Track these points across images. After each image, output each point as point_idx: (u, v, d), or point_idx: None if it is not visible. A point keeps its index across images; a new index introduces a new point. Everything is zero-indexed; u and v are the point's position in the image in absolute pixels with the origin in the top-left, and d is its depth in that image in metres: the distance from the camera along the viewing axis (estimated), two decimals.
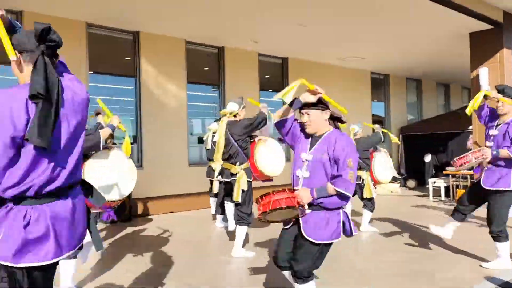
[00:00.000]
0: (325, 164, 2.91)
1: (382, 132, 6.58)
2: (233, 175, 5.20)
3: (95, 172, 3.83)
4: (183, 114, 9.10)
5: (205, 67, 10.10)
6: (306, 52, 10.69)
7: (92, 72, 7.95)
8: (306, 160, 2.98)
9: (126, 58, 8.62)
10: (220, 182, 6.67)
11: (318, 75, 11.69)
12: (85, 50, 7.73)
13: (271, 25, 8.37)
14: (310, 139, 3.06)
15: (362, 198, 6.54)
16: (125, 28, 8.30)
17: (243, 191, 5.05)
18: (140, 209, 8.32)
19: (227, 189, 5.44)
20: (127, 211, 7.77)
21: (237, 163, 5.16)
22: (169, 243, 5.97)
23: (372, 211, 6.56)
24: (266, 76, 10.92)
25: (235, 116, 5.23)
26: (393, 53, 10.99)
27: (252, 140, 5.70)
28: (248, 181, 5.15)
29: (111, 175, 3.94)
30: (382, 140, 6.50)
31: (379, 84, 14.06)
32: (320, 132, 3.04)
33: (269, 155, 5.69)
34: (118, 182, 3.94)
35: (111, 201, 3.85)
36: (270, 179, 5.76)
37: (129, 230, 6.99)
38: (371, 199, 6.49)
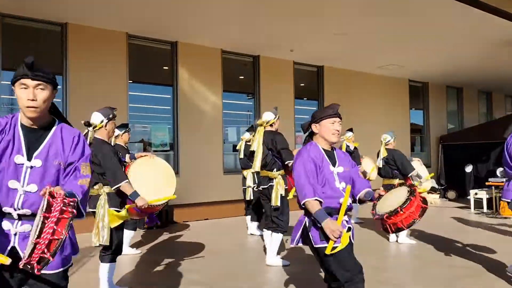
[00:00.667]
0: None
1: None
2: (270, 180, 5.20)
3: (137, 176, 3.97)
4: (219, 122, 9.21)
5: (241, 75, 10.20)
6: (342, 60, 10.60)
7: (131, 81, 8.20)
8: (337, 172, 2.92)
9: (164, 68, 8.84)
10: (255, 189, 6.68)
11: (354, 83, 11.57)
12: (125, 60, 7.99)
13: (307, 34, 8.36)
14: (324, 154, 2.95)
15: None
16: (164, 39, 8.52)
17: (281, 196, 5.04)
18: (176, 215, 8.46)
19: (263, 196, 5.43)
20: (164, 217, 7.92)
21: (274, 169, 5.19)
22: (203, 250, 6.02)
23: None
24: (301, 84, 10.90)
25: (271, 125, 5.28)
26: (433, 60, 10.71)
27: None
28: (285, 188, 5.15)
29: (154, 180, 4.07)
30: (413, 169, 6.31)
31: (418, 92, 13.72)
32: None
33: None
34: (161, 187, 4.05)
35: (154, 206, 3.93)
36: None
37: (165, 236, 7.10)
38: None
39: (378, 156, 6.54)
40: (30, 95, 1.96)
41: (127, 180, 3.79)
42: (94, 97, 7.31)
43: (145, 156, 4.38)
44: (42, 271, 1.82)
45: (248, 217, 7.25)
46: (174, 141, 8.69)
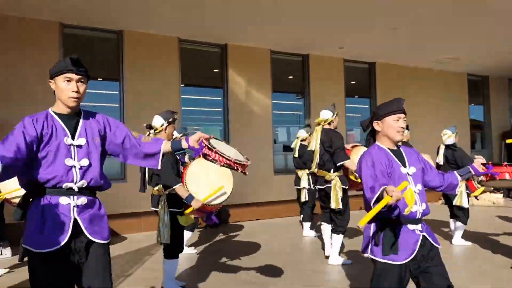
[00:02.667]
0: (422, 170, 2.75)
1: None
2: (327, 182, 5.12)
3: (195, 176, 4.09)
4: (269, 123, 9.23)
5: (290, 75, 10.16)
6: (395, 55, 10.27)
7: (183, 85, 8.41)
8: (411, 173, 2.64)
9: (215, 70, 8.99)
10: (310, 189, 6.61)
11: (408, 78, 11.17)
12: (177, 64, 8.21)
13: (358, 30, 8.18)
14: (392, 155, 2.67)
15: (452, 208, 6.06)
16: (214, 42, 8.66)
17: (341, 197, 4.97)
18: (228, 215, 8.57)
19: (321, 197, 5.37)
20: (217, 218, 8.04)
21: (331, 170, 5.08)
22: (256, 250, 6.04)
23: (465, 223, 6.05)
24: (352, 82, 10.67)
25: (329, 123, 5.20)
26: (493, 52, 10.11)
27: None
28: (344, 188, 5.04)
29: (212, 179, 4.16)
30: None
31: (477, 87, 13.00)
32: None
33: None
34: (218, 185, 4.14)
35: (212, 205, 4.05)
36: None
37: (219, 236, 7.22)
38: (464, 210, 5.99)
39: (437, 153, 6.24)
40: (74, 87, 2.26)
41: (180, 184, 3.89)
42: (149, 101, 7.58)
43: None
44: (98, 240, 2.25)
45: (306, 223, 7.16)
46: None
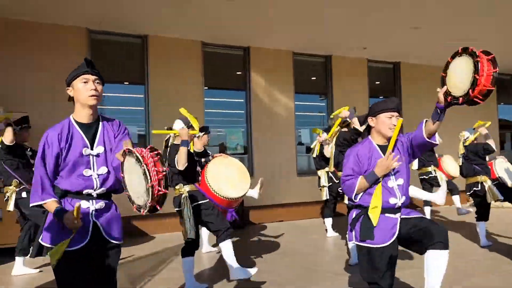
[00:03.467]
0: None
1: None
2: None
3: (214, 173, 4.35)
4: (291, 124, 9.23)
5: (313, 76, 10.14)
6: (419, 55, 10.11)
7: (207, 88, 8.52)
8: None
9: (237, 73, 9.06)
10: (330, 187, 6.63)
11: (433, 78, 10.94)
12: (201, 67, 8.33)
13: (381, 30, 8.10)
14: (378, 150, 2.91)
15: (481, 208, 5.98)
16: (236, 44, 8.74)
17: None
18: (251, 217, 8.62)
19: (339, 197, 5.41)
20: (240, 218, 8.10)
21: None
22: (279, 251, 6.07)
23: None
24: (376, 82, 10.56)
25: (347, 126, 5.29)
26: None
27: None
28: None
29: (230, 176, 4.42)
30: (495, 151, 5.90)
31: (506, 85, 12.64)
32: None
33: None
34: (236, 183, 4.40)
35: (231, 199, 4.22)
36: None
37: (241, 236, 7.27)
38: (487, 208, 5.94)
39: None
40: (92, 86, 2.34)
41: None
42: (173, 104, 7.69)
43: (220, 156, 4.74)
44: (113, 240, 2.36)
45: (328, 220, 7.14)
46: (248, 144, 8.87)
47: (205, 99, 8.41)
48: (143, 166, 2.00)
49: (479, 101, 2.53)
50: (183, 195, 4.13)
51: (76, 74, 2.37)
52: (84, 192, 2.32)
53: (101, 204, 2.36)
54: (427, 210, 7.35)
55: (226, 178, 4.42)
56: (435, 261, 2.78)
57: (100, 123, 2.44)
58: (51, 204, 2.24)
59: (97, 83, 2.38)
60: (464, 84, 2.51)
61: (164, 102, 7.80)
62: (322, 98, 10.04)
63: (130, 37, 7.89)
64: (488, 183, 5.82)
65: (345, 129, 5.30)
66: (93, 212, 2.34)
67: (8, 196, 5.15)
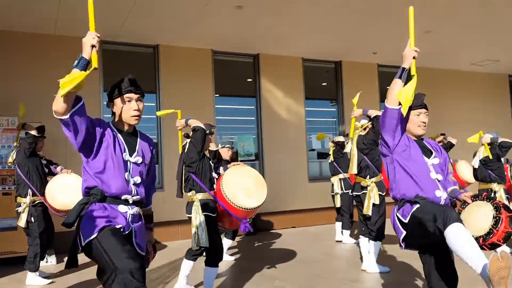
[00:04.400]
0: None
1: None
2: (363, 188, 5.12)
3: (231, 183, 4.32)
4: (302, 130, 9.22)
5: (323, 82, 10.13)
6: (431, 59, 10.04)
7: (217, 95, 8.56)
8: (432, 164, 2.76)
9: (248, 80, 9.10)
10: (343, 195, 6.60)
11: (447, 82, 10.89)
12: (211, 75, 8.38)
13: (391, 35, 8.07)
14: (415, 143, 2.80)
15: None
16: (246, 52, 8.79)
17: (374, 205, 4.94)
18: (263, 223, 8.60)
19: (357, 203, 5.36)
20: (252, 225, 8.09)
21: (368, 177, 5.08)
22: (292, 258, 6.04)
23: None
24: (387, 87, 10.47)
25: (365, 129, 5.23)
26: None
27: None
28: (380, 194, 5.00)
29: (247, 186, 4.39)
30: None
31: None
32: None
33: None
34: (253, 191, 4.36)
35: (247, 210, 4.19)
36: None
37: (255, 243, 7.26)
38: None
39: (474, 157, 6.08)
40: (135, 106, 2.40)
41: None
42: (184, 112, 7.73)
43: (237, 164, 4.70)
44: (140, 251, 2.38)
45: (338, 224, 7.10)
46: (259, 151, 8.88)
47: (216, 106, 8.46)
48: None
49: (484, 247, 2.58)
50: (194, 203, 4.15)
51: (119, 92, 2.42)
52: (123, 197, 2.35)
53: (136, 209, 2.41)
54: None
55: (242, 187, 4.34)
56: (460, 234, 2.47)
57: (138, 138, 2.52)
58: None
59: (140, 101, 2.44)
60: (479, 229, 2.58)
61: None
62: (333, 103, 10.01)
63: (141, 47, 7.98)
64: (501, 193, 5.70)
65: (363, 132, 5.21)
66: (130, 217, 2.38)
67: (21, 211, 5.13)
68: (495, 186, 5.77)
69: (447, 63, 10.49)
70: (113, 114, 2.49)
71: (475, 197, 2.76)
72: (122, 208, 2.35)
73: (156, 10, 6.41)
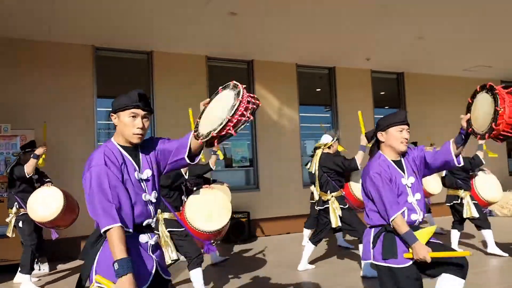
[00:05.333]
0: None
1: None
2: (325, 202, 5.33)
3: (192, 204, 4.61)
4: (296, 136, 9.24)
5: (317, 88, 10.18)
6: (424, 65, 10.14)
7: None
8: (410, 184, 2.79)
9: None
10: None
11: (438, 88, 10.97)
12: (205, 81, 8.40)
13: (384, 41, 8.14)
14: (394, 166, 2.82)
15: (473, 220, 5.97)
16: (240, 58, 8.82)
17: (340, 217, 5.16)
18: (257, 229, 8.58)
19: (321, 216, 5.49)
20: (246, 231, 8.08)
21: (328, 191, 5.31)
22: (286, 264, 6.01)
23: (489, 227, 5.95)
24: (381, 93, 10.57)
25: (329, 148, 5.43)
26: None
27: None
28: (342, 208, 5.20)
29: (207, 208, 4.63)
30: (483, 163, 5.95)
31: None
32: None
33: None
34: (212, 216, 4.57)
35: (206, 232, 4.44)
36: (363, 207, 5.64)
37: (247, 249, 7.23)
38: (479, 217, 5.91)
39: None
40: (139, 124, 2.15)
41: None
42: (178, 119, 7.75)
43: (205, 187, 5.02)
44: (166, 276, 2.19)
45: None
46: (254, 157, 8.88)
47: None
48: (238, 100, 2.00)
49: (506, 135, 2.38)
50: (159, 221, 4.36)
51: (126, 106, 2.15)
52: (145, 223, 2.13)
53: (156, 238, 2.19)
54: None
55: (204, 210, 4.56)
56: (450, 287, 2.63)
57: (139, 145, 2.26)
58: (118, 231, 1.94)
59: (146, 118, 2.19)
60: (482, 125, 2.49)
61: (169, 116, 7.85)
62: (327, 109, 10.05)
63: (135, 53, 7.99)
64: (467, 199, 5.95)
65: (328, 150, 5.39)
66: (151, 248, 2.15)
67: (8, 221, 5.32)
68: (461, 192, 6.01)
69: (439, 68, 10.58)
70: (115, 127, 2.26)
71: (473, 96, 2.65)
72: (143, 238, 2.12)
73: (150, 16, 6.42)
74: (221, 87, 2.16)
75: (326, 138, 5.50)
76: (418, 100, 10.53)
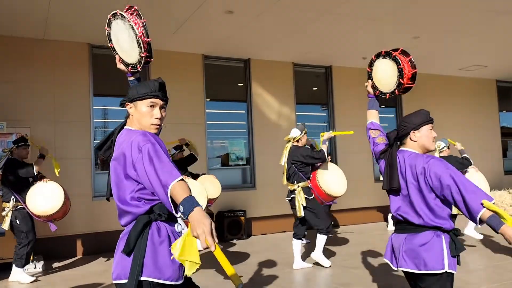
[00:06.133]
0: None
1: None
2: (292, 192, 5.59)
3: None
4: None
5: (313, 87, 10.19)
6: (420, 64, 10.10)
7: (209, 100, 8.57)
8: None
9: (239, 85, 9.12)
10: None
11: (434, 87, 11.01)
12: (202, 80, 8.39)
13: (380, 40, 8.16)
14: None
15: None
16: (237, 57, 8.82)
17: (304, 207, 5.40)
18: (254, 228, 8.59)
19: (291, 207, 5.74)
20: (243, 230, 8.09)
21: (295, 182, 5.58)
22: (282, 262, 6.03)
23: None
24: None
25: (297, 141, 5.72)
26: None
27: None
28: (307, 198, 5.43)
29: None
30: (472, 165, 6.17)
31: (507, 93, 12.66)
32: None
33: (331, 176, 5.74)
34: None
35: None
36: (333, 200, 5.80)
37: (243, 248, 7.24)
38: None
39: None
40: (158, 114, 2.10)
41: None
42: (175, 116, 7.75)
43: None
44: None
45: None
46: (250, 155, 8.89)
47: (207, 111, 8.45)
48: (129, 21, 2.15)
49: (405, 91, 3.05)
50: None
51: (145, 95, 2.09)
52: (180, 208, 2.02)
53: (184, 225, 2.07)
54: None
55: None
56: None
57: None
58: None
59: (164, 109, 2.15)
60: (389, 84, 3.01)
61: (167, 114, 7.83)
62: (324, 108, 10.07)
63: None
64: None
65: (297, 144, 5.69)
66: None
67: (5, 215, 5.35)
68: None
69: (435, 68, 10.62)
70: (128, 116, 2.17)
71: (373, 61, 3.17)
72: (178, 227, 2.05)
73: (146, 14, 6.39)
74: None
75: (295, 132, 5.76)
76: (415, 99, 10.53)
